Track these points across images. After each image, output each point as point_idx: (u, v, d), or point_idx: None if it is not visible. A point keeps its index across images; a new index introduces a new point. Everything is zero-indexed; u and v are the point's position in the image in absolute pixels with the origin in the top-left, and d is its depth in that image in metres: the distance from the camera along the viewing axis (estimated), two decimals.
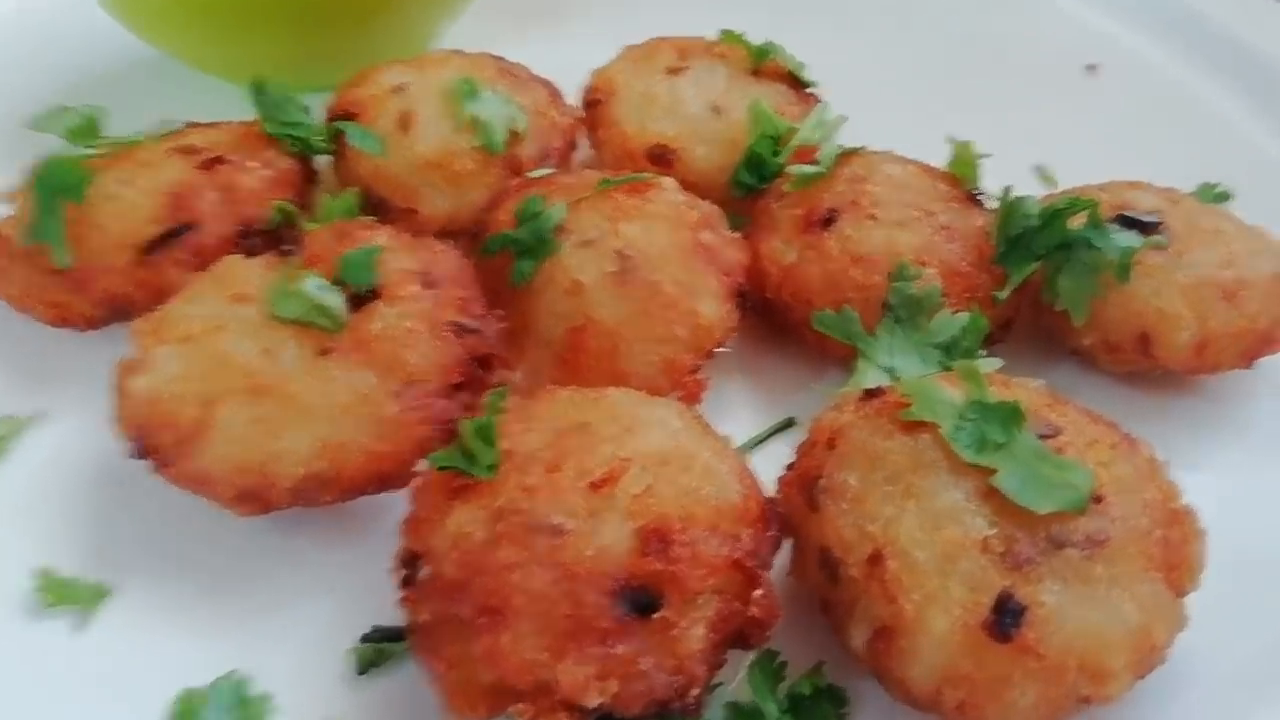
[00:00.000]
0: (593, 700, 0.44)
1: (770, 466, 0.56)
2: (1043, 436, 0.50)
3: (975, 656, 0.44)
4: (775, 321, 0.66)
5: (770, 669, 0.49)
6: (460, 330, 0.56)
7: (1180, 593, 0.47)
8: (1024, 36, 1.01)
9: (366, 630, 0.52)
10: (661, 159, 0.73)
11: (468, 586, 0.46)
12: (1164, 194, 0.69)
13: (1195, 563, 0.48)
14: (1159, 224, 0.64)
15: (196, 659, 0.51)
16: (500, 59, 0.80)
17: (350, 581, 0.54)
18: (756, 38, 0.80)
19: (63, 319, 0.63)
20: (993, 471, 0.48)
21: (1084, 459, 0.49)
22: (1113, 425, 0.53)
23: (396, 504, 0.52)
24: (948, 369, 0.59)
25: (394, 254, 0.58)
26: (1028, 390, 0.54)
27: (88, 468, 0.59)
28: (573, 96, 0.80)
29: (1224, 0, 0.98)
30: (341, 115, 0.72)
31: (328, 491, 0.52)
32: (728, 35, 0.81)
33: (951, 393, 0.51)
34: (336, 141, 0.70)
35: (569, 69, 0.81)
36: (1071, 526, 0.46)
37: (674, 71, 0.78)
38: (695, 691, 0.45)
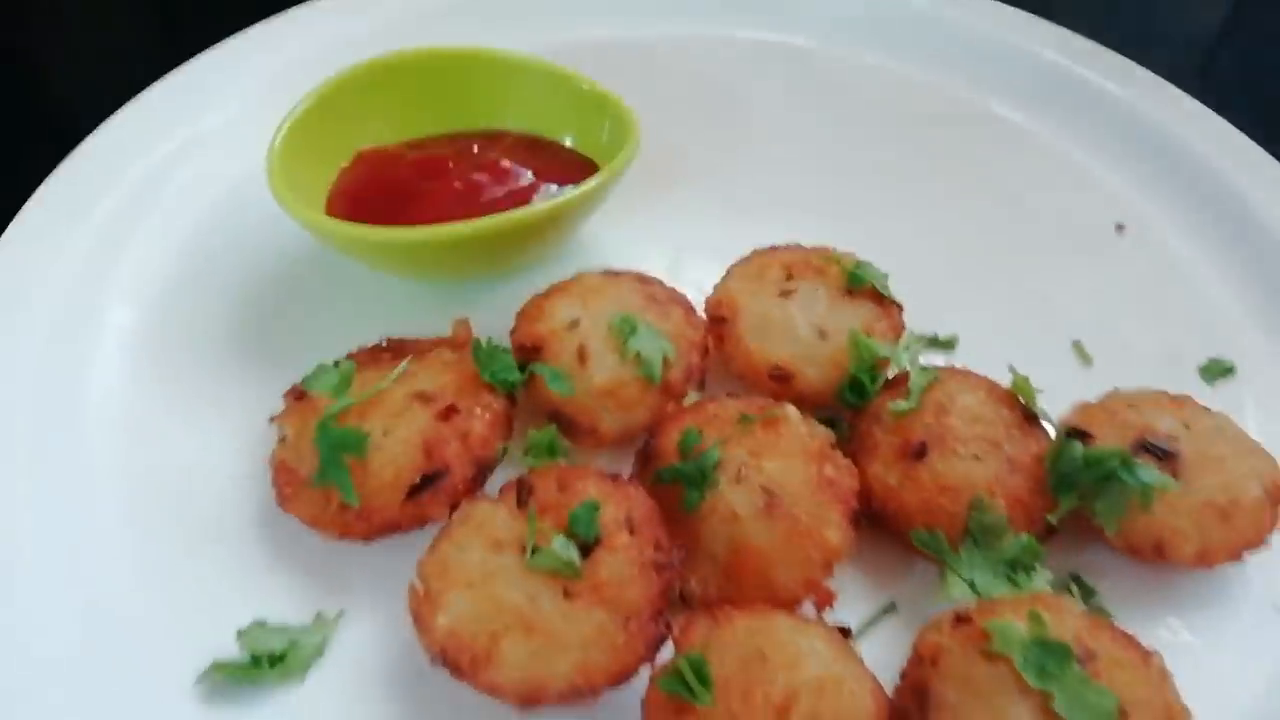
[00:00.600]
0: None
1: (874, 646, 0.79)
2: (1083, 661, 0.72)
3: None
4: (876, 524, 0.87)
5: None
6: (660, 568, 0.77)
7: None
8: (1056, 200, 1.19)
9: None
10: (780, 378, 0.93)
11: None
12: (1181, 412, 0.89)
13: None
14: (1175, 454, 0.84)
15: None
16: (640, 277, 0.98)
17: None
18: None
19: (344, 536, 0.83)
20: (1051, 695, 0.70)
21: (1113, 679, 0.71)
22: (1133, 641, 0.74)
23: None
24: (1013, 581, 0.81)
25: (606, 505, 0.79)
26: (1073, 616, 0.75)
27: (392, 660, 0.80)
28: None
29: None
30: (530, 348, 0.92)
31: (581, 696, 0.74)
32: (827, 255, 0.99)
33: (1021, 629, 0.72)
34: (528, 373, 0.90)
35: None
36: None
37: (785, 294, 0.96)
38: None
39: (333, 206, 1.03)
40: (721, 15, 1.34)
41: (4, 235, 1.01)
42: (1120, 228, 1.14)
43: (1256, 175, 1.14)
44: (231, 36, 1.25)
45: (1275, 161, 1.15)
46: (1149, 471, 0.82)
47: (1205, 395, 0.98)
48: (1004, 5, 1.34)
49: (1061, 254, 1.12)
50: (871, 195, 1.17)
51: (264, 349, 1.00)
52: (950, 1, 1.34)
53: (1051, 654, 0.71)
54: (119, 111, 1.13)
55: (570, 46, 1.23)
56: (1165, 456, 0.83)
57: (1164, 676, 0.73)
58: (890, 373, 0.93)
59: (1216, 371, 1.00)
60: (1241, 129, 1.19)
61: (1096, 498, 0.82)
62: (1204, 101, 1.22)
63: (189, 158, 1.14)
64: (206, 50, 1.22)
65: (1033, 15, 1.32)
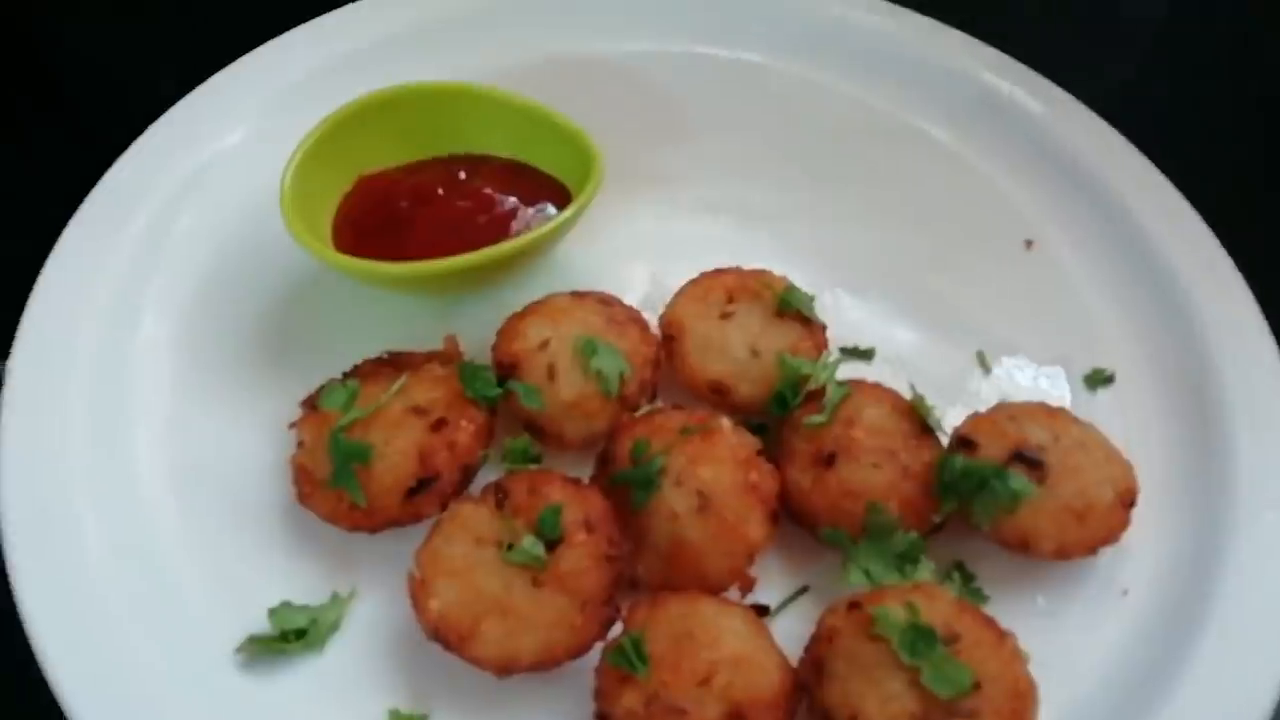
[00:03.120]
0: None
1: (790, 622, 0.94)
2: (947, 642, 0.86)
3: None
4: (793, 520, 1.01)
5: None
6: (612, 560, 0.91)
7: None
8: (973, 216, 1.29)
9: None
10: (718, 391, 1.07)
11: None
12: (1054, 423, 1.01)
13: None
14: (1042, 464, 0.97)
15: None
16: (602, 298, 1.11)
17: (558, 709, 0.92)
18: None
19: (355, 528, 0.97)
20: (919, 670, 0.84)
21: (972, 657, 0.85)
22: (992, 623, 0.89)
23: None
24: (901, 570, 0.95)
25: (568, 507, 0.92)
26: (945, 602, 0.89)
27: (396, 632, 0.95)
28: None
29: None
30: (508, 365, 1.04)
31: (546, 666, 0.89)
32: (762, 280, 1.11)
33: (900, 614, 0.87)
34: (507, 388, 1.03)
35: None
36: (960, 706, 0.83)
37: (725, 316, 1.09)
38: None
39: (338, 232, 1.15)
40: (675, 34, 1.41)
41: (53, 254, 1.12)
42: (1029, 244, 1.26)
43: (1154, 202, 1.23)
44: (244, 55, 1.33)
45: (1175, 190, 1.24)
46: (1018, 480, 0.95)
47: (1087, 401, 1.13)
48: (946, 27, 1.41)
49: (973, 268, 1.22)
50: (808, 206, 1.27)
51: (280, 358, 1.12)
52: (895, 21, 1.41)
53: (921, 636, 0.85)
54: (143, 136, 1.23)
55: (533, 63, 1.34)
56: (1035, 465, 0.97)
57: (1016, 655, 0.87)
58: (810, 387, 1.06)
59: (1098, 380, 1.13)
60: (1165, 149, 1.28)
61: (974, 501, 0.96)
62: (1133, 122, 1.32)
63: (216, 170, 1.24)
64: (221, 70, 1.31)
65: (971, 38, 1.39)
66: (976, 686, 0.84)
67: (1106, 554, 1.00)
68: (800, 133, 1.36)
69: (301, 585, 0.97)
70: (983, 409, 1.06)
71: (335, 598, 0.97)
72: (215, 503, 1.03)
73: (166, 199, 1.19)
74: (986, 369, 1.15)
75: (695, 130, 1.36)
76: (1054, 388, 1.14)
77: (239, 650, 0.93)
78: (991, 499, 0.96)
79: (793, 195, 1.30)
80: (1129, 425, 1.10)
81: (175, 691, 0.90)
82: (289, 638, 0.93)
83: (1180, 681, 0.94)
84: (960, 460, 0.97)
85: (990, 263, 1.24)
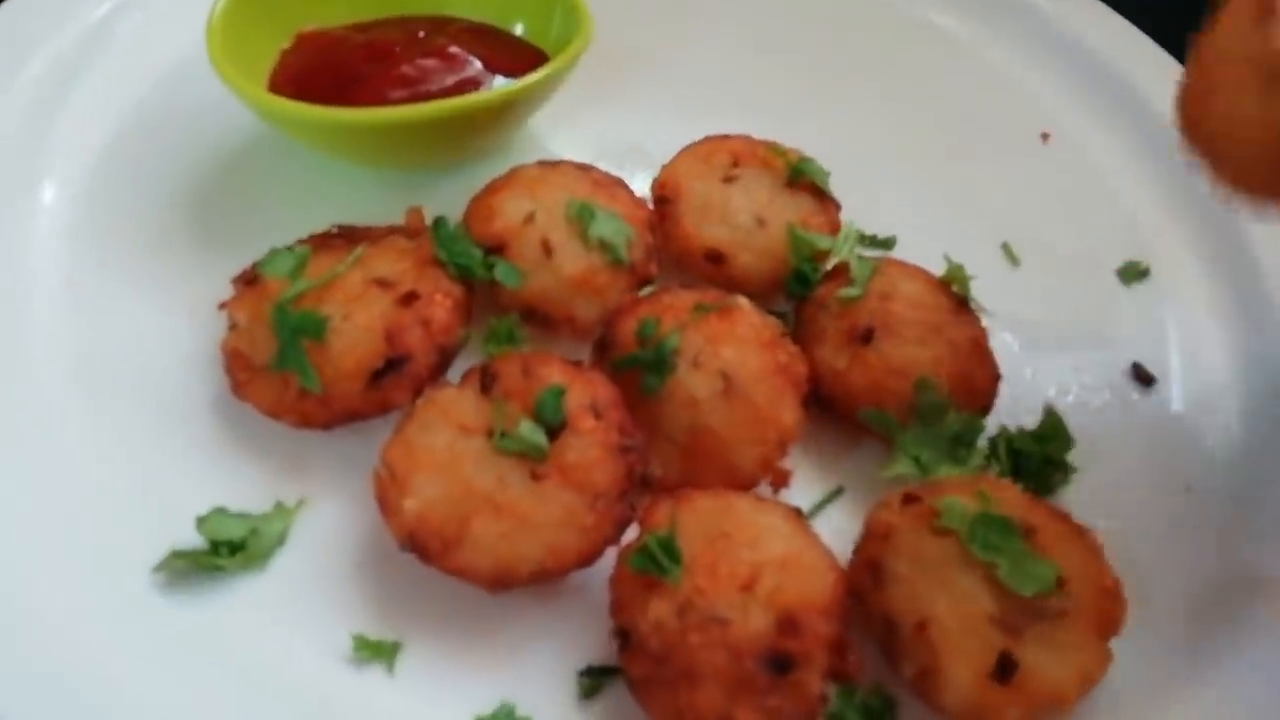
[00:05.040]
0: None
1: (823, 523, 0.79)
2: (1024, 535, 0.73)
3: (984, 692, 0.68)
4: (824, 408, 0.86)
5: (850, 691, 0.72)
6: (624, 449, 0.75)
7: (1107, 640, 0.71)
8: (984, 105, 1.18)
9: (582, 667, 0.73)
10: (715, 259, 0.91)
11: (669, 659, 0.67)
12: None
13: (1120, 622, 0.72)
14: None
15: (479, 692, 0.71)
16: (577, 165, 0.93)
17: (563, 629, 0.75)
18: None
19: (305, 424, 0.78)
20: (995, 565, 0.71)
21: (1052, 551, 0.72)
22: (1067, 516, 0.76)
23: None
24: (955, 456, 0.82)
25: (571, 390, 0.76)
26: (1015, 494, 0.76)
27: (357, 546, 0.77)
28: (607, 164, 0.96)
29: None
30: (492, 247, 0.86)
31: (550, 576, 0.72)
32: (773, 148, 0.97)
33: (968, 506, 0.73)
34: (492, 269, 0.85)
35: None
36: (1045, 604, 0.69)
37: (728, 180, 0.94)
38: None
39: (275, 88, 0.95)
40: None
41: None
42: (1045, 136, 1.14)
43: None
44: None
45: None
46: None
47: (1122, 296, 1.02)
48: None
49: (990, 160, 1.11)
50: (814, 98, 1.14)
51: (206, 233, 0.92)
52: None
53: (996, 528, 0.72)
54: None
55: None
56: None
57: (1098, 549, 0.74)
58: (829, 265, 0.92)
59: (1133, 274, 1.02)
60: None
61: None
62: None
63: (127, 18, 1.03)
64: None
65: None
66: (1061, 583, 0.70)
67: (1164, 454, 0.89)
68: (805, 21, 1.22)
69: (238, 493, 0.78)
70: (1015, 301, 0.94)
71: (279, 507, 0.78)
72: (130, 400, 0.82)
73: (70, 43, 0.98)
74: (1015, 261, 1.03)
75: (694, 10, 1.21)
76: (1088, 282, 1.02)
77: (159, 569, 0.73)
78: None
79: (798, 84, 1.15)
80: (1167, 318, 0.99)
81: (78, 622, 0.70)
82: (221, 551, 0.74)
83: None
84: None
85: (1007, 154, 1.12)
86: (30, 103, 0.93)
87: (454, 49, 0.99)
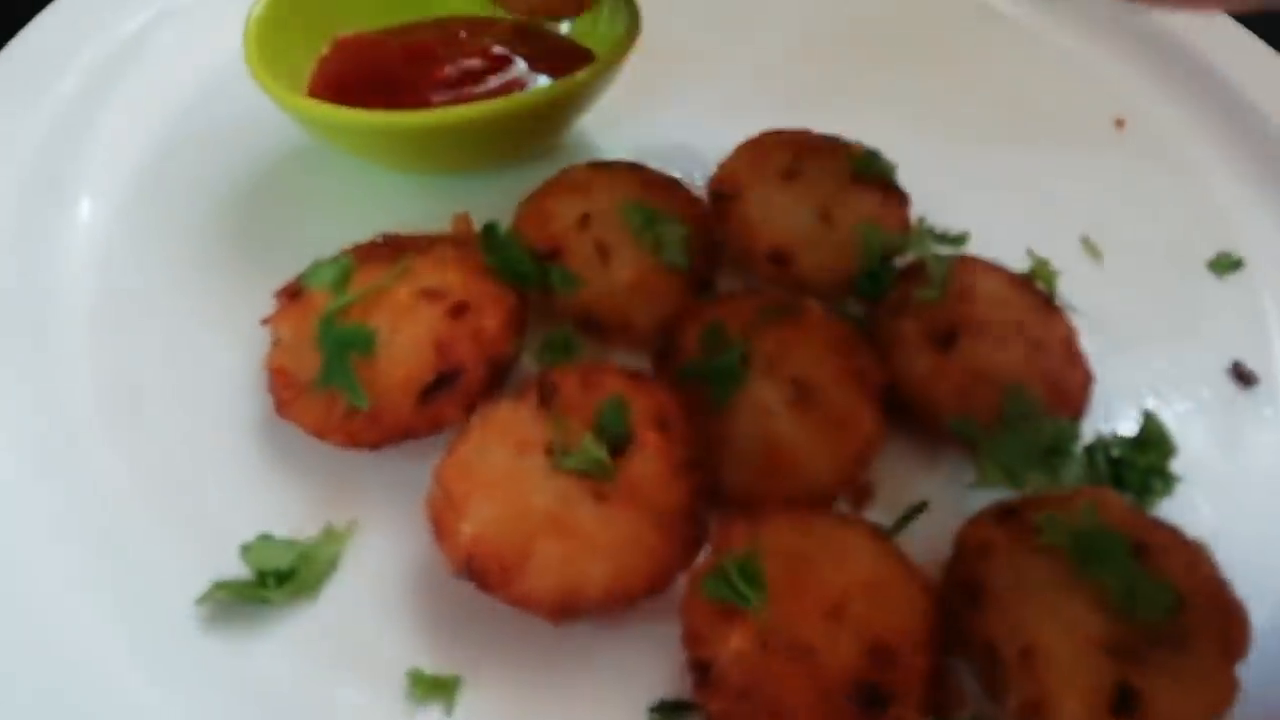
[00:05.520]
0: None
1: (905, 542, 0.72)
2: (1135, 553, 0.66)
3: None
4: (904, 416, 0.80)
5: None
6: (693, 465, 0.70)
7: (1233, 664, 0.65)
8: (1056, 95, 1.12)
9: (654, 702, 0.68)
10: (778, 259, 0.85)
11: (751, 693, 0.61)
12: None
13: (1246, 644, 0.65)
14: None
15: None
16: (629, 165, 0.89)
17: (632, 662, 0.69)
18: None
19: (353, 444, 0.74)
20: (1106, 586, 0.64)
21: (1166, 570, 0.66)
22: (1178, 531, 0.69)
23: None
24: (1050, 466, 0.75)
25: (634, 402, 0.71)
26: (1121, 508, 0.69)
27: (411, 574, 0.72)
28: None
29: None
30: (545, 253, 0.82)
31: (617, 604, 0.66)
32: (836, 143, 0.91)
33: (1072, 522, 0.67)
34: (546, 276, 0.80)
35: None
36: (1164, 629, 0.63)
37: (790, 175, 0.88)
38: None
39: (314, 95, 0.91)
40: None
41: None
42: (1120, 123, 1.08)
43: (1256, 69, 1.07)
44: None
45: (1276, 55, 1.09)
46: None
47: (1216, 289, 0.95)
48: None
49: (1064, 149, 1.05)
50: (875, 91, 1.08)
51: (247, 247, 0.88)
52: None
53: (1105, 545, 0.65)
54: None
55: None
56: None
57: (1214, 566, 0.68)
58: (899, 263, 0.86)
59: (1225, 265, 0.95)
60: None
61: None
62: None
63: (163, 30, 1.00)
64: None
65: None
66: (1179, 604, 0.64)
67: (1272, 457, 0.82)
68: (860, 8, 1.16)
69: (284, 518, 0.73)
70: (1099, 297, 0.88)
71: (329, 531, 0.73)
72: (169, 421, 0.78)
73: (104, 55, 0.95)
74: (1097, 255, 0.96)
75: (749, 8, 1.16)
76: (1177, 275, 0.95)
77: (201, 601, 0.68)
78: None
79: (854, 76, 1.10)
80: (1268, 311, 0.92)
81: (116, 657, 0.66)
82: (268, 582, 0.69)
83: None
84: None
85: (1080, 143, 1.06)
86: (64, 117, 0.91)
87: (497, 49, 0.95)
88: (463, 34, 0.97)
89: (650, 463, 0.68)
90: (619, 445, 0.69)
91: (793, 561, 0.65)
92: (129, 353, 0.81)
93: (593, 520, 0.66)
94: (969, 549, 0.69)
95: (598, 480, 0.67)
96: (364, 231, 0.85)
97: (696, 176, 0.96)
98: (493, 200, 0.89)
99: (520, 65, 0.95)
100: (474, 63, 0.93)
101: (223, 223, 0.89)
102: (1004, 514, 0.69)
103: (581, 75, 0.87)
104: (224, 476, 0.76)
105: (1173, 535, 0.69)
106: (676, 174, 0.92)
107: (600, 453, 0.67)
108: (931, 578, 0.69)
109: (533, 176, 0.89)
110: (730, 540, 0.67)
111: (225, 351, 0.81)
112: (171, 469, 0.76)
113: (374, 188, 0.93)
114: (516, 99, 0.85)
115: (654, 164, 0.93)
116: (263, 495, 0.75)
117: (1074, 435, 0.75)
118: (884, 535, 0.69)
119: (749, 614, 0.63)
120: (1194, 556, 0.67)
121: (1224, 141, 1.04)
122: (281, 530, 0.73)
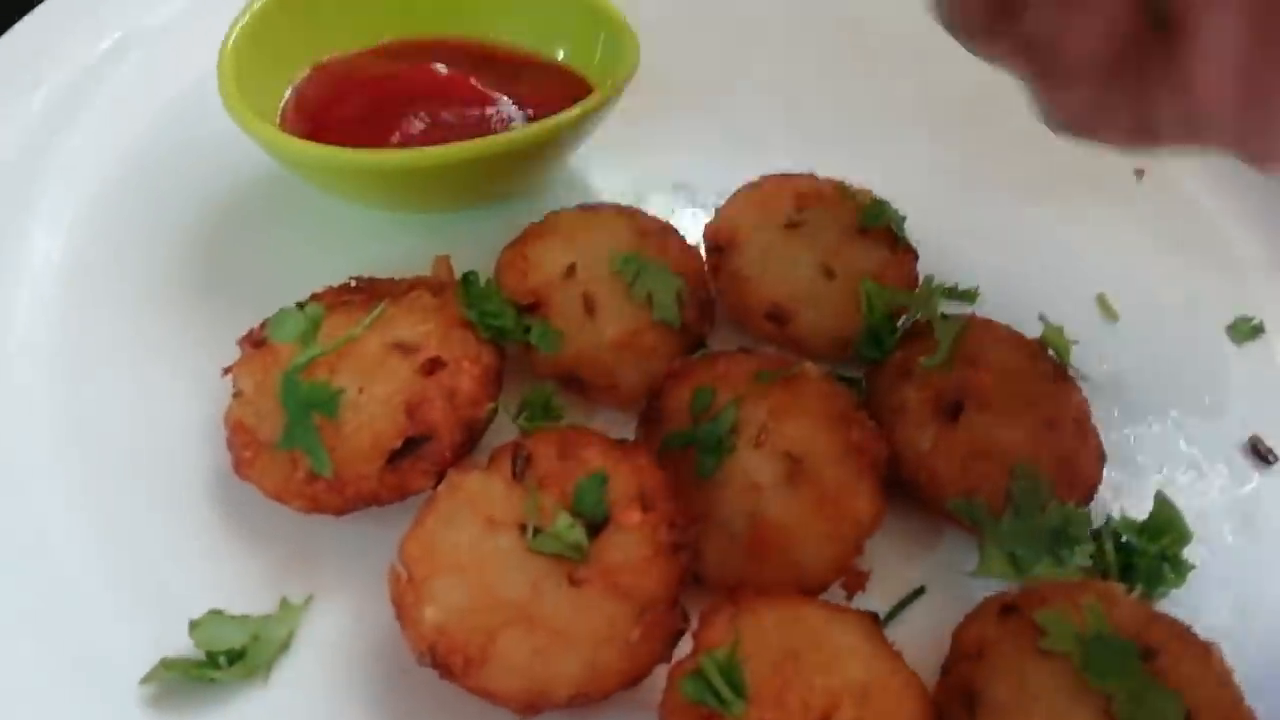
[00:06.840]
0: None
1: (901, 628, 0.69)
2: (1144, 658, 0.62)
3: None
4: (904, 493, 0.75)
5: None
6: (676, 548, 0.65)
7: None
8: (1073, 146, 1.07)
9: None
10: (776, 317, 0.81)
11: None
12: None
13: None
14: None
15: None
16: (620, 209, 0.84)
17: None
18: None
19: (314, 509, 0.70)
20: (1112, 697, 0.60)
21: (1176, 678, 0.61)
22: (1189, 633, 0.65)
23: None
24: (1056, 554, 0.71)
25: (614, 477, 0.66)
26: (1129, 607, 0.65)
27: (370, 653, 0.67)
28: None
29: None
30: (527, 305, 0.77)
31: (589, 700, 0.62)
32: (841, 189, 0.87)
33: (1077, 624, 0.63)
34: (528, 331, 0.76)
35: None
36: None
37: (791, 225, 0.84)
38: None
39: (286, 124, 0.87)
40: None
41: None
42: (1140, 173, 1.04)
43: None
44: None
45: None
46: None
47: (1234, 357, 0.90)
48: None
49: (1079, 201, 1.00)
50: (882, 135, 1.03)
51: (210, 286, 0.84)
52: None
53: (1113, 652, 0.61)
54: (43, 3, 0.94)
55: None
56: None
57: (1226, 674, 0.64)
58: (903, 323, 0.82)
59: (1245, 332, 0.91)
60: None
61: None
62: None
63: (126, 59, 0.95)
64: None
65: None
66: (1188, 716, 0.60)
67: None
68: (869, 47, 1.13)
69: (239, 590, 0.69)
70: (1113, 361, 0.84)
71: (285, 605, 0.69)
72: (120, 477, 0.74)
73: (66, 82, 0.90)
74: (1112, 315, 0.92)
75: (746, 35, 1.12)
76: (1193, 339, 0.91)
77: (146, 680, 0.64)
78: None
79: (862, 117, 1.06)
80: None
81: None
82: (219, 661, 0.65)
83: None
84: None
85: (1097, 194, 1.01)
86: (21, 149, 0.86)
87: (481, 83, 0.90)
88: (444, 67, 0.92)
89: (630, 546, 0.64)
90: (597, 524, 0.65)
91: (778, 660, 0.61)
92: (81, 399, 0.78)
93: (565, 609, 0.62)
94: (966, 649, 0.65)
95: (572, 564, 0.63)
96: (338, 268, 0.80)
97: (692, 220, 0.92)
98: (476, 239, 0.85)
99: (506, 101, 0.90)
100: (456, 97, 0.88)
101: (186, 259, 0.85)
102: (1004, 610, 0.65)
103: (568, 115, 0.83)
104: (176, 539, 0.71)
105: (1183, 638, 0.64)
106: (671, 217, 0.88)
107: (575, 534, 0.63)
108: (926, 678, 0.65)
109: (519, 212, 0.86)
110: (712, 635, 0.63)
111: (183, 401, 0.77)
112: (120, 529, 0.72)
113: (350, 222, 0.89)
114: (499, 139, 0.81)
115: (649, 205, 0.89)
116: (216, 561, 0.71)
117: (1084, 523, 0.71)
118: (877, 628, 0.65)
119: (729, 719, 0.59)
120: (1204, 661, 0.63)
121: (1245, 195, 1.00)
122: (236, 599, 0.68)
